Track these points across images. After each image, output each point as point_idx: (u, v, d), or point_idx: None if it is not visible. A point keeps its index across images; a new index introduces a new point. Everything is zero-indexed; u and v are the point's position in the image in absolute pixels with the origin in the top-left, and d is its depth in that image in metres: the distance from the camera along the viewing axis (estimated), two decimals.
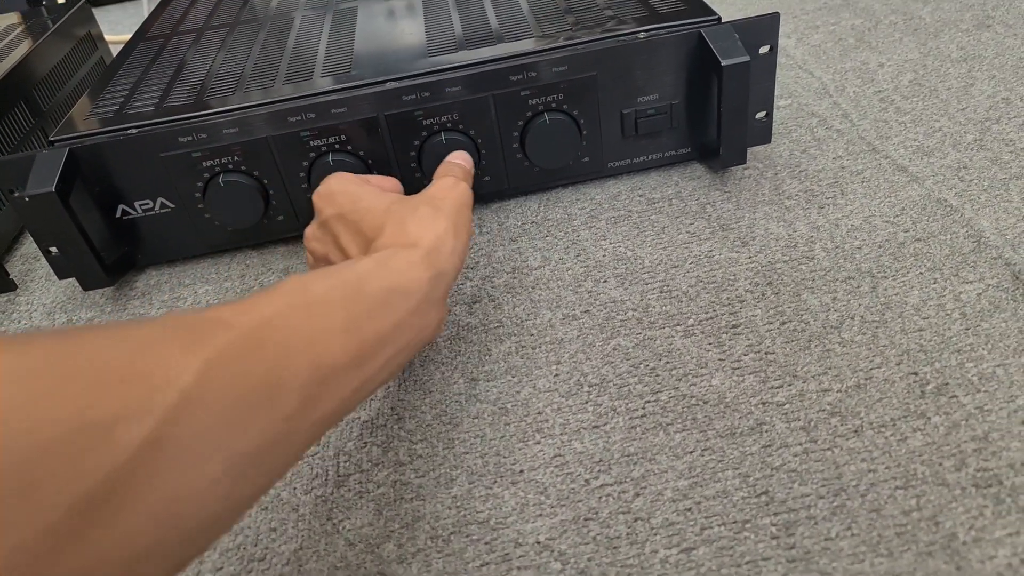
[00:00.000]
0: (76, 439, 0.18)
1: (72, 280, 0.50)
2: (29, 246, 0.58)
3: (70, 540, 0.17)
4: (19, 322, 0.50)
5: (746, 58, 0.45)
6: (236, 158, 0.47)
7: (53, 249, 0.47)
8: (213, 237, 0.51)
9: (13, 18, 0.74)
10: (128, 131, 0.46)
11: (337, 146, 0.47)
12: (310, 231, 0.40)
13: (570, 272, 0.46)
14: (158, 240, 0.50)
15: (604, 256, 0.47)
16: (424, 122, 0.47)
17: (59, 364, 0.19)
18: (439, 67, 0.47)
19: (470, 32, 0.52)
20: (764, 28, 0.47)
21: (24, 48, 0.64)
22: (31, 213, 0.44)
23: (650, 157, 0.52)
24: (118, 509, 0.18)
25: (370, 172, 0.49)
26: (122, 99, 0.50)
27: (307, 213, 0.50)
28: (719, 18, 0.48)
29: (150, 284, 0.51)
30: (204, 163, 0.47)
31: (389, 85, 0.47)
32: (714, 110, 0.49)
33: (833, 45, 0.65)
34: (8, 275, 0.53)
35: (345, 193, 0.38)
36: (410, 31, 0.54)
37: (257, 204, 0.48)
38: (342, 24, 0.57)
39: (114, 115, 0.48)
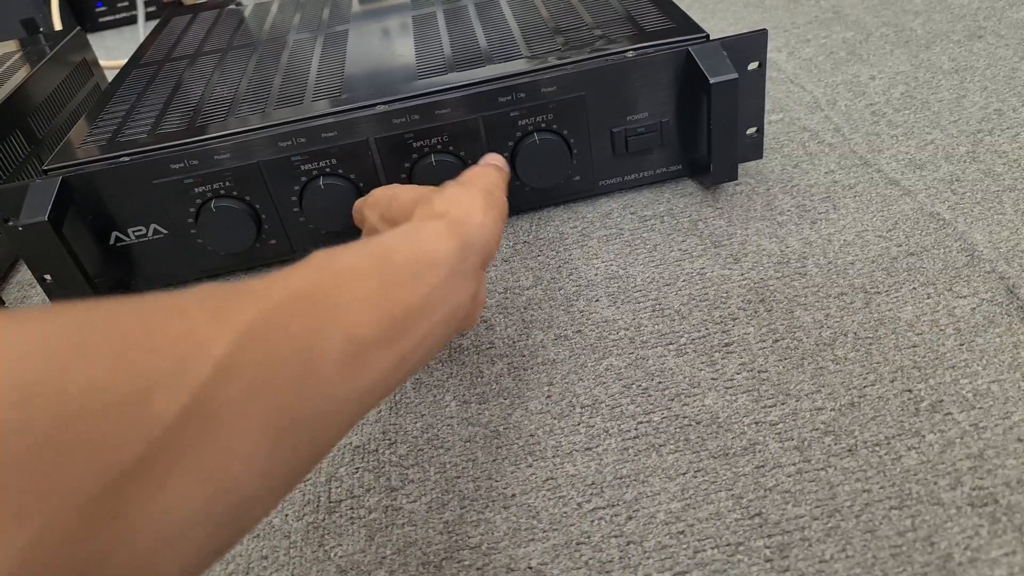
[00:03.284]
0: (109, 411, 0.17)
1: None
2: (24, 274, 0.58)
3: (106, 518, 0.17)
4: None
5: (734, 75, 0.45)
6: (228, 183, 0.47)
7: (47, 277, 0.47)
8: (206, 262, 0.51)
9: (11, 46, 0.75)
10: (120, 159, 0.46)
11: (328, 170, 0.47)
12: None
13: (562, 292, 0.46)
14: (151, 266, 0.50)
15: (596, 275, 0.47)
16: (414, 144, 0.48)
17: (85, 334, 0.18)
18: (429, 90, 0.47)
19: (459, 53, 0.52)
20: (752, 45, 0.47)
21: (20, 76, 0.65)
22: (25, 242, 0.45)
23: (641, 174, 0.52)
24: (156, 484, 0.18)
25: (360, 194, 0.49)
26: (115, 127, 0.51)
27: (299, 236, 0.50)
28: (707, 36, 0.48)
29: None
30: (196, 189, 0.47)
31: (379, 108, 0.47)
32: (704, 127, 0.49)
33: (824, 59, 0.65)
34: (4, 303, 0.53)
35: (384, 193, 0.38)
36: (400, 53, 0.54)
37: (249, 229, 0.48)
38: (333, 47, 0.58)
39: (107, 143, 0.48)
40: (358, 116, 0.46)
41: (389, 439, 0.39)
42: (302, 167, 0.47)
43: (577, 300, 0.45)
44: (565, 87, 0.47)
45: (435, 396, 0.41)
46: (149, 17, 1.01)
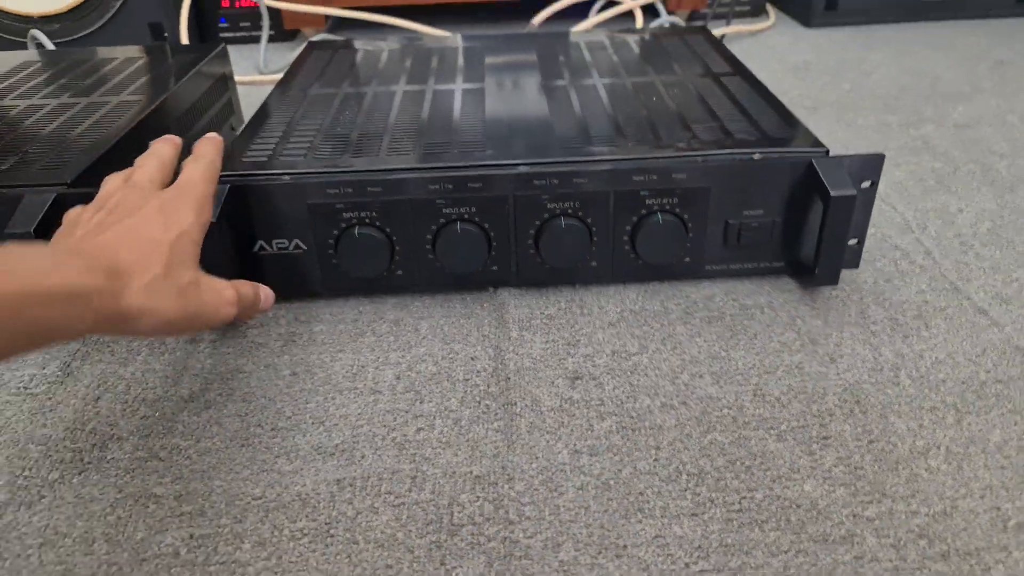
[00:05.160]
0: None
1: None
2: None
3: None
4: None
5: (853, 192, 0.49)
6: (374, 213, 0.51)
7: None
8: (334, 281, 0.54)
9: (133, 51, 0.80)
10: (283, 177, 0.51)
11: (467, 216, 0.52)
12: None
13: (667, 363, 0.49)
14: (283, 277, 0.54)
15: (699, 352, 0.50)
16: (548, 206, 0.52)
17: None
18: (571, 159, 0.51)
19: (596, 129, 0.56)
20: (869, 165, 0.51)
21: (168, 85, 0.70)
22: None
23: (745, 265, 0.56)
24: None
25: (490, 244, 0.53)
26: (273, 146, 0.55)
27: (425, 272, 0.54)
28: (827, 151, 0.52)
29: (268, 316, 0.55)
30: (345, 214, 0.51)
31: (522, 168, 0.51)
32: (813, 231, 0.53)
33: (914, 184, 0.70)
34: None
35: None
36: (539, 119, 0.59)
37: (383, 258, 0.52)
38: (471, 102, 0.63)
39: (267, 160, 0.53)
40: (504, 173, 0.51)
41: (508, 475, 0.41)
42: (443, 210, 0.51)
43: (681, 373, 0.48)
44: (694, 176, 0.51)
45: (548, 442, 0.44)
46: (270, 40, 1.07)
